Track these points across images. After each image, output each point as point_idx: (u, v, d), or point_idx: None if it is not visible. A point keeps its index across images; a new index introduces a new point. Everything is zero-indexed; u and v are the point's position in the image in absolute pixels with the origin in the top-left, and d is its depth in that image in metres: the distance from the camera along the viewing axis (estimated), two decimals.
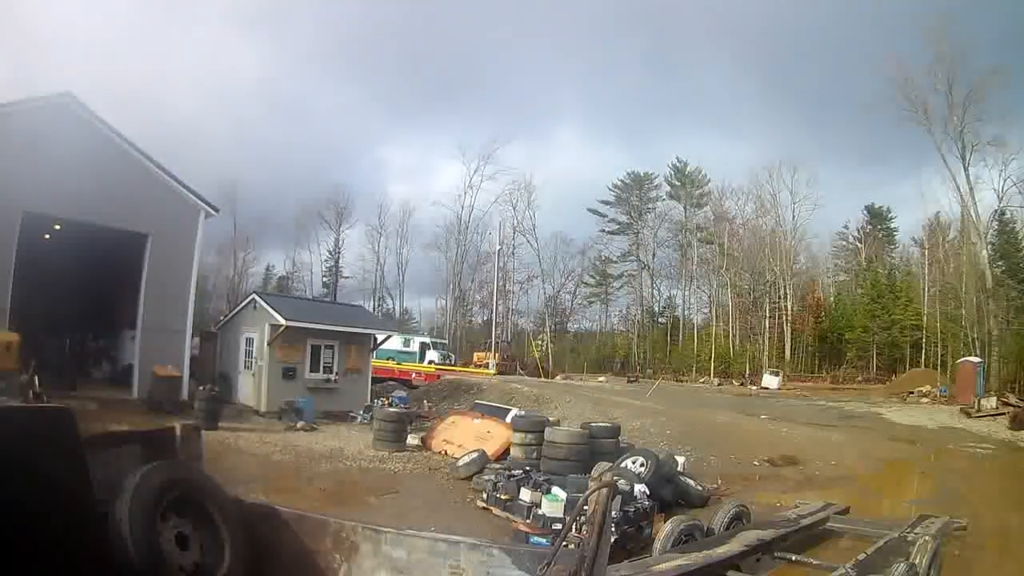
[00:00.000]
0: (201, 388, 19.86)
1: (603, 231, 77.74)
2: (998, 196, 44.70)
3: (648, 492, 11.07)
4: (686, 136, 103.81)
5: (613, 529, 9.49)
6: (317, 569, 3.84)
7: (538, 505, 10.61)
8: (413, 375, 34.98)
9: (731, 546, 6.80)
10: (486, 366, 47.47)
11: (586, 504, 3.24)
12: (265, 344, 22.83)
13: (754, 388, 50.57)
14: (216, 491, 3.99)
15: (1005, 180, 44.02)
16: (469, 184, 71.97)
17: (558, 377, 49.74)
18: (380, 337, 27.77)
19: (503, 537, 9.87)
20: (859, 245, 74.11)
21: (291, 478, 13.90)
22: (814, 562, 7.69)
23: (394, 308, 71.81)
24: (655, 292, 76.27)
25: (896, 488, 17.43)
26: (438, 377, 34.21)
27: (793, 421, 27.04)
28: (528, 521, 10.39)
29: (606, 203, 78.18)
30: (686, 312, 74.69)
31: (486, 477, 13.24)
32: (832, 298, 71.26)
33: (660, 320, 74.56)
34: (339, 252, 73.93)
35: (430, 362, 39.44)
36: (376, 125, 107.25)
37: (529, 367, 51.81)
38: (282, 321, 22.62)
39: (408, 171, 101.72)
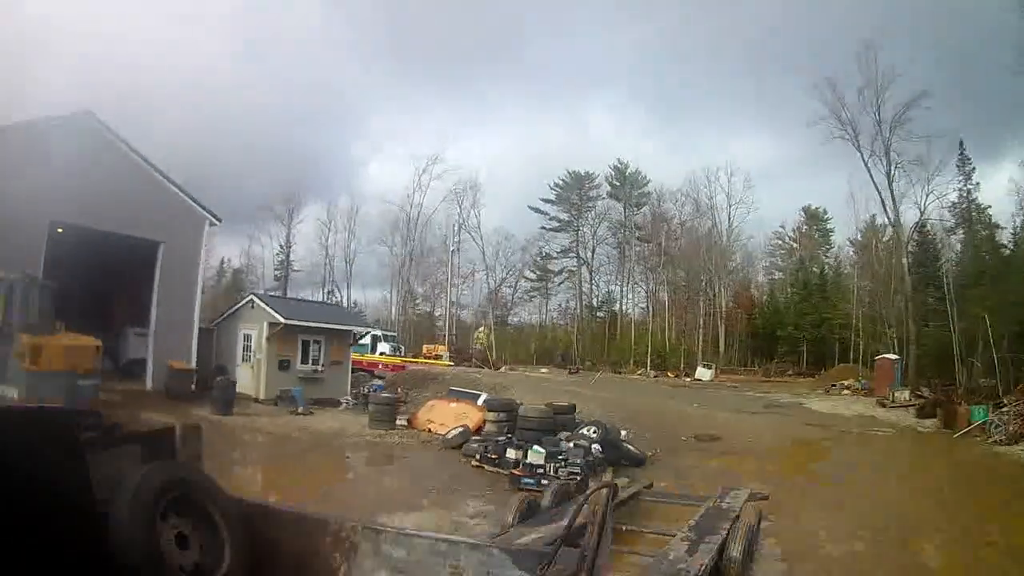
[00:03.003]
0: (219, 379, 22.11)
1: (544, 228, 78.61)
2: (920, 210, 47.08)
3: (601, 449, 15.54)
4: (629, 138, 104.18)
5: (578, 471, 13.54)
6: (317, 569, 3.75)
7: (524, 459, 14.40)
8: (380, 366, 35.68)
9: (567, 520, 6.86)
10: (437, 357, 47.68)
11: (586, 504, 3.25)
12: (264, 340, 25.10)
13: (688, 380, 52.03)
14: (216, 491, 3.90)
15: (927, 196, 46.36)
16: (418, 184, 71.44)
17: (504, 368, 50.38)
18: (360, 332, 30.59)
19: (498, 484, 13.98)
20: (794, 245, 75.74)
21: (322, 449, 17.34)
22: (646, 530, 8.33)
23: (343, 300, 70.86)
24: (594, 288, 77.57)
25: (794, 459, 19.76)
26: (404, 368, 35.64)
27: (721, 408, 29.51)
28: (518, 470, 14.09)
29: (548, 201, 78.99)
30: (624, 307, 76.00)
31: (473, 445, 16.65)
32: (766, 296, 73.04)
33: (599, 315, 75.74)
34: (290, 246, 73.23)
35: (381, 353, 39.39)
36: (329, 122, 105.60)
37: (475, 358, 51.89)
38: (281, 320, 25.10)
39: (358, 167, 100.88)
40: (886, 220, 47.62)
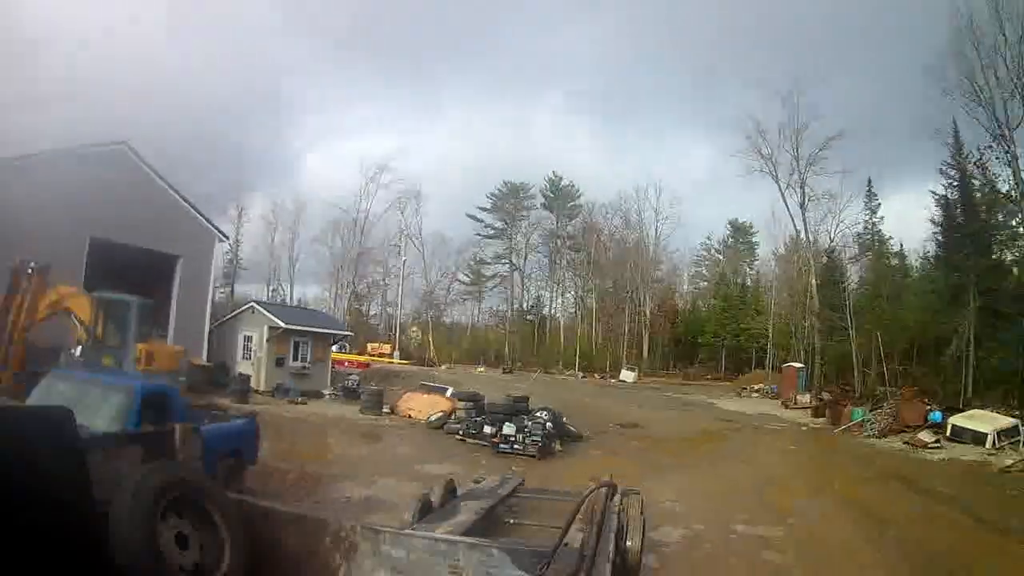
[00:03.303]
0: (237, 374, 26.20)
1: (479, 235, 79.32)
2: (829, 237, 51.01)
3: (552, 426, 20.09)
4: (568, 151, 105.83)
5: (539, 439, 18.62)
6: (317, 569, 3.76)
7: (499, 432, 19.24)
8: (346, 363, 38.27)
9: (466, 516, 6.91)
10: (381, 355, 49.29)
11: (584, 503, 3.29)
12: (264, 341, 28.86)
13: (613, 381, 54.34)
14: (216, 491, 3.89)
15: (837, 225, 50.03)
16: (365, 191, 71.37)
17: (443, 367, 51.50)
18: (340, 335, 35.89)
19: (479, 451, 18.84)
20: (720, 257, 77.82)
21: (339, 428, 20.55)
22: (534, 525, 8.18)
23: (288, 298, 69.97)
24: (525, 292, 79.18)
25: (697, 441, 24.17)
26: (368, 366, 39.75)
27: (642, 405, 33.42)
28: (495, 439, 19.04)
29: (484, 209, 79.86)
30: (553, 312, 78.23)
31: (454, 426, 21.25)
32: (689, 305, 75.23)
33: (528, 318, 76.87)
34: (238, 244, 71.89)
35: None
36: (272, 120, 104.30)
37: (414, 357, 52.94)
38: (282, 325, 29.12)
39: (301, 167, 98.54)
40: (803, 241, 51.16)
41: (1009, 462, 20.68)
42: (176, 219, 27.03)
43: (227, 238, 29.46)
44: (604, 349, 66.38)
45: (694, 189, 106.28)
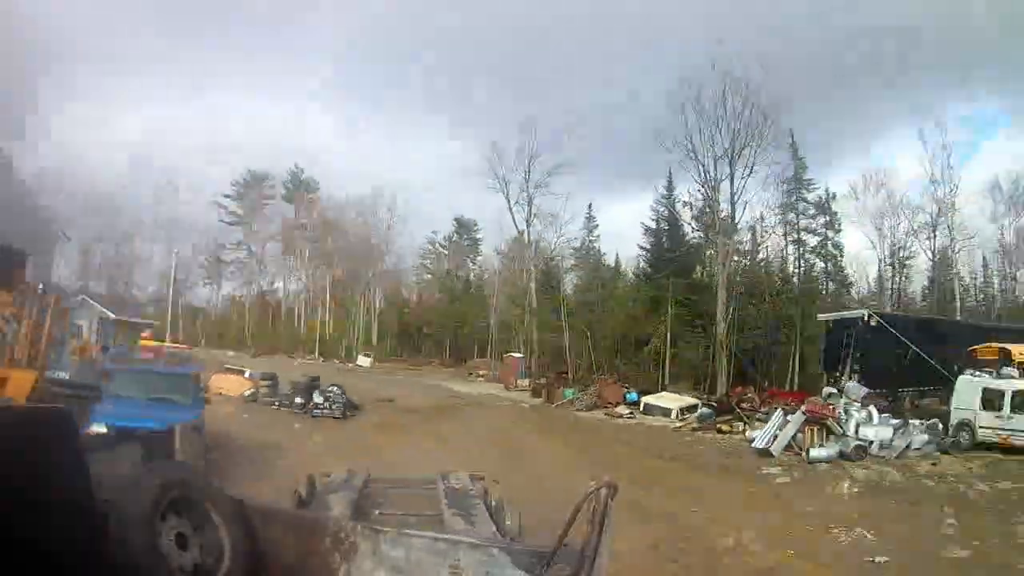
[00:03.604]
0: None
1: (223, 221, 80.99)
2: (550, 249, 59.71)
3: (343, 396, 25.53)
4: (309, 143, 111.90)
5: (341, 405, 24.98)
6: (316, 569, 3.76)
7: (310, 401, 25.14)
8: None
9: (340, 509, 6.61)
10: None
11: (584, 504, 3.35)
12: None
13: (351, 365, 57.73)
14: (216, 491, 3.82)
15: (558, 239, 59.18)
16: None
17: (195, 348, 51.58)
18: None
19: (298, 416, 24.55)
20: (444, 252, 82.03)
21: None
22: (400, 514, 7.68)
23: None
24: (263, 280, 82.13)
25: (443, 411, 29.60)
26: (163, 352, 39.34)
27: (388, 385, 38.86)
28: (309, 406, 24.76)
29: (227, 196, 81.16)
30: (288, 298, 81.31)
31: (267, 399, 26.67)
32: (416, 296, 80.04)
33: (266, 303, 79.96)
34: None
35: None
36: None
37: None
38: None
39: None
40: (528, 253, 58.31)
41: (679, 424, 28.81)
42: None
43: None
44: (339, 336, 69.48)
45: (426, 186, 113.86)
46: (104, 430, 7.96)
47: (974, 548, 11.81)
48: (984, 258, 55.01)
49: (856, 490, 16.83)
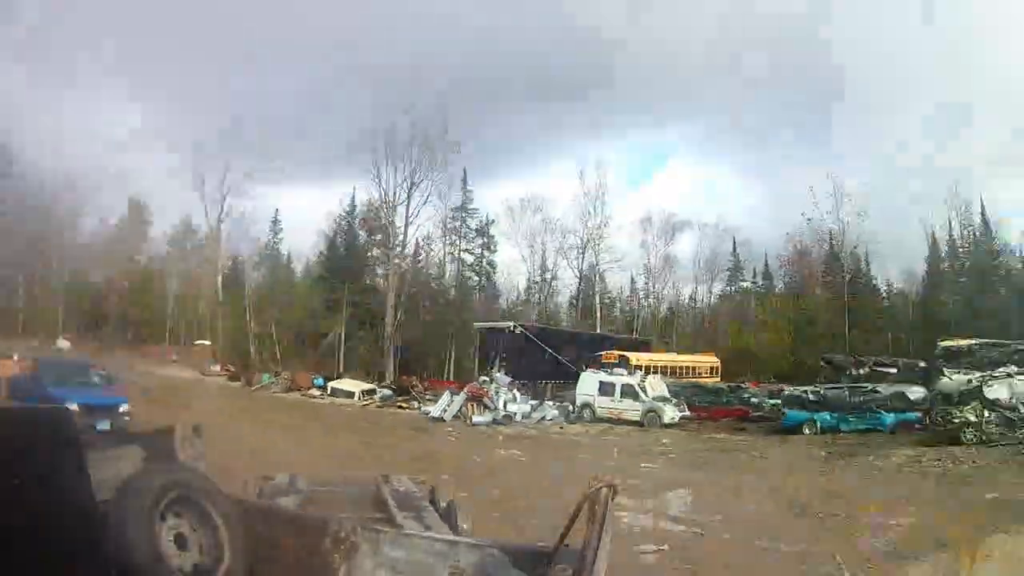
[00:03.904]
0: None
1: None
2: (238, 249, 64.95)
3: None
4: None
5: None
6: (316, 569, 3.68)
7: None
8: None
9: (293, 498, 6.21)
10: None
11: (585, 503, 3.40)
12: None
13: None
14: (216, 491, 3.77)
15: (247, 238, 64.01)
16: None
17: None
18: None
19: None
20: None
21: None
22: (368, 518, 7.66)
23: None
24: None
25: (181, 389, 33.63)
26: None
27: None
28: None
29: None
30: None
31: None
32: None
33: None
34: None
35: None
36: None
37: None
38: None
39: None
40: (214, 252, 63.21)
41: (365, 403, 37.27)
42: None
43: None
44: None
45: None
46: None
47: (565, 458, 21.82)
48: (632, 278, 68.04)
49: (503, 439, 26.51)
